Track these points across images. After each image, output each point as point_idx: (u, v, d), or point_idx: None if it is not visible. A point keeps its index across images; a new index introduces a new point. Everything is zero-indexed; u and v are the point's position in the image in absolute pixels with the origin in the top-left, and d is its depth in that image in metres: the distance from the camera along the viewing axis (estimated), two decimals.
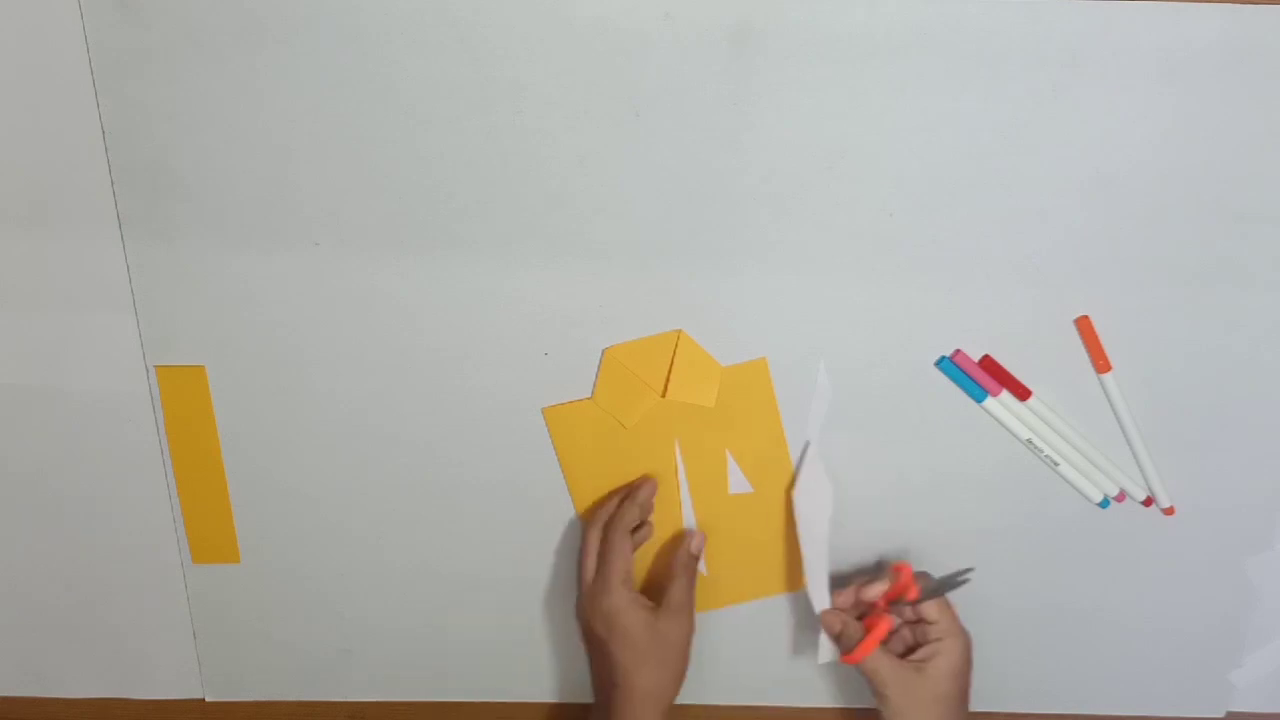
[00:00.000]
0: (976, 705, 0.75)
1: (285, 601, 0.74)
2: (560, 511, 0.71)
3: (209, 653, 0.76)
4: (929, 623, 0.66)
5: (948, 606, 0.67)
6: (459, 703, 0.77)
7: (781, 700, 0.76)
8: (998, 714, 0.76)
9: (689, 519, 0.71)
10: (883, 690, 0.65)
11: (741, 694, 0.76)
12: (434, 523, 0.72)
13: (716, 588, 0.73)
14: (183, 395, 0.69)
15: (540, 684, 0.76)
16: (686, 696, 0.75)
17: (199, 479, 0.71)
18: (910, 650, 0.67)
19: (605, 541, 0.67)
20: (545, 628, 0.74)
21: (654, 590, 0.70)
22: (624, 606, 0.65)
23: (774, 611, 0.74)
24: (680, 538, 0.70)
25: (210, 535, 0.72)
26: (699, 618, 0.73)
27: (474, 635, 0.75)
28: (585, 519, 0.70)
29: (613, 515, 0.68)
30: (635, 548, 0.68)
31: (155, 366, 0.68)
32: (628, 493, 0.69)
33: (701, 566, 0.71)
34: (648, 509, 0.69)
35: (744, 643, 0.74)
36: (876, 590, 0.67)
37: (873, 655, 0.65)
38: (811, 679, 0.75)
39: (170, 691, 0.77)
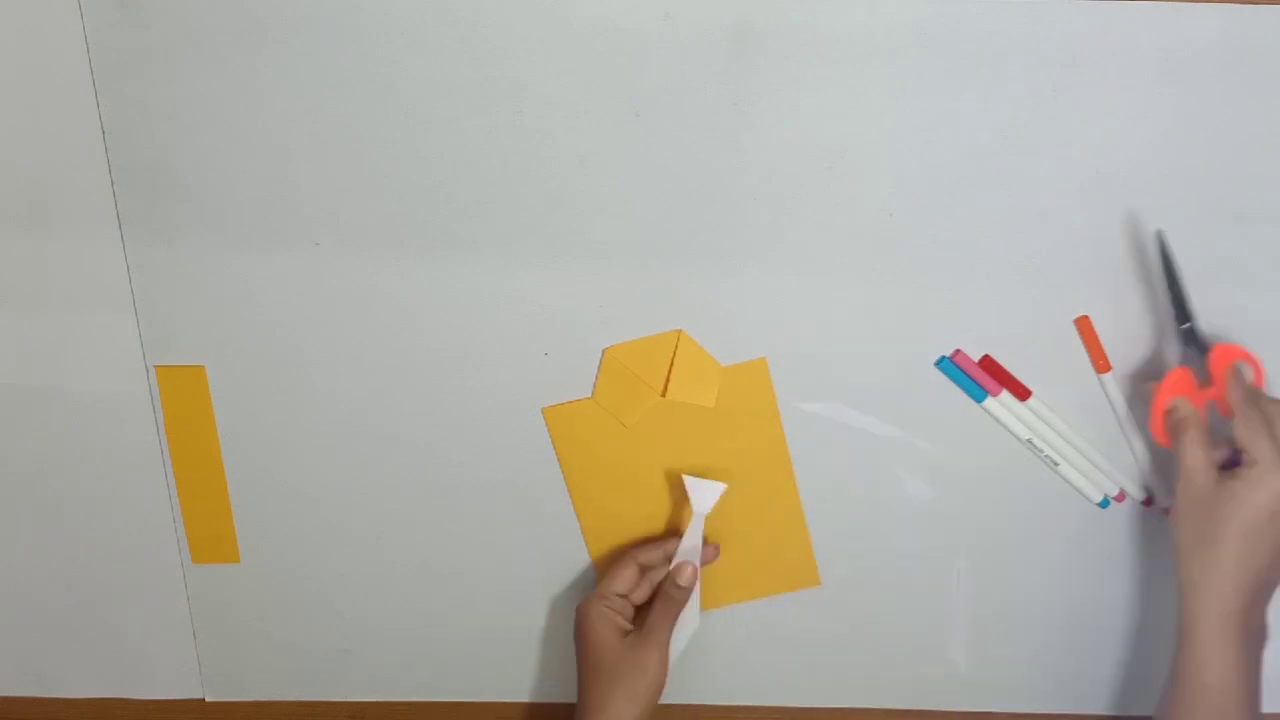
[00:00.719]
0: (975, 705, 0.75)
1: (285, 601, 0.74)
2: (560, 511, 0.71)
3: (209, 653, 0.76)
4: (1241, 448, 0.59)
5: (1261, 432, 0.58)
6: (459, 703, 0.77)
7: (782, 700, 0.76)
8: (998, 714, 0.76)
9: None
10: (1178, 485, 0.60)
11: (741, 694, 0.76)
12: (434, 522, 0.72)
13: (717, 587, 0.73)
14: (183, 395, 0.69)
15: (540, 684, 0.76)
16: (685, 696, 0.75)
17: (199, 479, 0.71)
18: (1227, 466, 0.60)
19: (618, 559, 0.67)
20: (545, 627, 0.74)
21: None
22: (597, 617, 0.65)
23: (774, 611, 0.73)
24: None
25: (210, 535, 0.72)
26: (718, 615, 0.73)
27: (474, 635, 0.75)
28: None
29: (640, 543, 0.68)
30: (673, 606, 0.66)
31: (155, 366, 0.68)
32: (666, 544, 0.68)
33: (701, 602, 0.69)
34: (670, 567, 0.67)
35: (744, 642, 0.74)
36: None
37: (1187, 439, 0.59)
38: (811, 679, 0.75)
39: (170, 691, 0.77)
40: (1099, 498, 0.69)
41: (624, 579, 0.67)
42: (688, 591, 0.66)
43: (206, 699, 0.77)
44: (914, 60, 0.60)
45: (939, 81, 0.61)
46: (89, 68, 0.61)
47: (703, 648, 0.74)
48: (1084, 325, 0.66)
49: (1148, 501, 0.70)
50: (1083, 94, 0.61)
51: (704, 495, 0.67)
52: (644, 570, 0.68)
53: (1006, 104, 0.61)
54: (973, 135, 0.62)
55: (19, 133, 0.63)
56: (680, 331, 0.67)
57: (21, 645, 0.76)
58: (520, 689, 0.77)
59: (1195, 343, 0.63)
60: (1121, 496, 0.70)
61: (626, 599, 0.67)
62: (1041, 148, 0.62)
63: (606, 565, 0.71)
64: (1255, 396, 0.60)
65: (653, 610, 0.66)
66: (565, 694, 0.76)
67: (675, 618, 0.66)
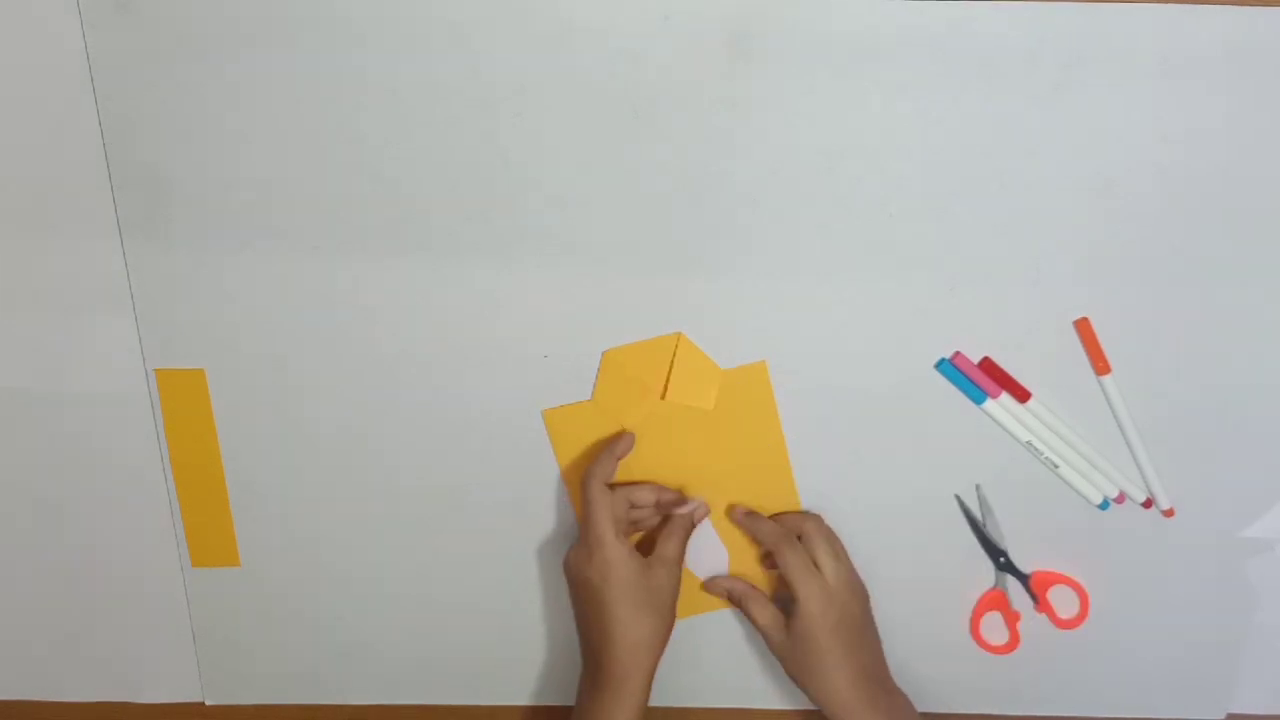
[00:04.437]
0: (975, 707, 0.75)
1: (285, 605, 0.74)
2: (560, 513, 0.71)
3: (209, 656, 0.76)
4: (795, 593, 0.66)
5: (790, 565, 0.66)
6: (459, 706, 0.77)
7: (781, 704, 0.76)
8: (997, 715, 0.76)
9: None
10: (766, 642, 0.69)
11: (740, 696, 0.76)
12: (433, 525, 0.72)
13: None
14: (182, 398, 0.69)
15: (541, 687, 0.76)
16: (685, 699, 0.75)
17: (199, 482, 0.71)
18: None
19: (585, 495, 0.66)
20: (545, 630, 0.74)
21: (645, 545, 0.70)
22: (619, 558, 0.65)
23: None
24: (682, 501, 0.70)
25: (210, 538, 0.72)
26: (701, 620, 0.73)
27: (474, 638, 0.75)
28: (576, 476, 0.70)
29: (589, 468, 0.67)
30: (686, 525, 0.69)
31: (155, 370, 0.68)
32: (606, 446, 0.68)
33: (722, 551, 0.72)
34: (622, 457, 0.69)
35: (743, 645, 0.74)
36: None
37: (754, 605, 0.69)
38: None
39: (170, 695, 0.77)
40: (1099, 499, 0.69)
41: (610, 511, 0.66)
42: (695, 523, 0.70)
43: (206, 702, 0.77)
44: (914, 61, 0.60)
45: (939, 82, 0.61)
46: (88, 71, 0.61)
47: (702, 650, 0.74)
48: (1084, 327, 0.66)
49: (1147, 503, 0.70)
50: (1083, 95, 0.61)
51: None
52: (632, 507, 0.68)
53: (1006, 105, 0.61)
54: (973, 136, 0.62)
55: (18, 136, 0.63)
56: (680, 334, 0.67)
57: (21, 649, 0.76)
58: (520, 692, 0.77)
59: (1014, 571, 0.71)
60: (1121, 498, 0.70)
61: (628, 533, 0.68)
62: (1041, 148, 0.62)
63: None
64: (784, 537, 0.68)
65: (668, 543, 0.68)
66: (565, 697, 0.76)
67: (685, 543, 0.69)
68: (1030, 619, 0.72)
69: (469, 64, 0.61)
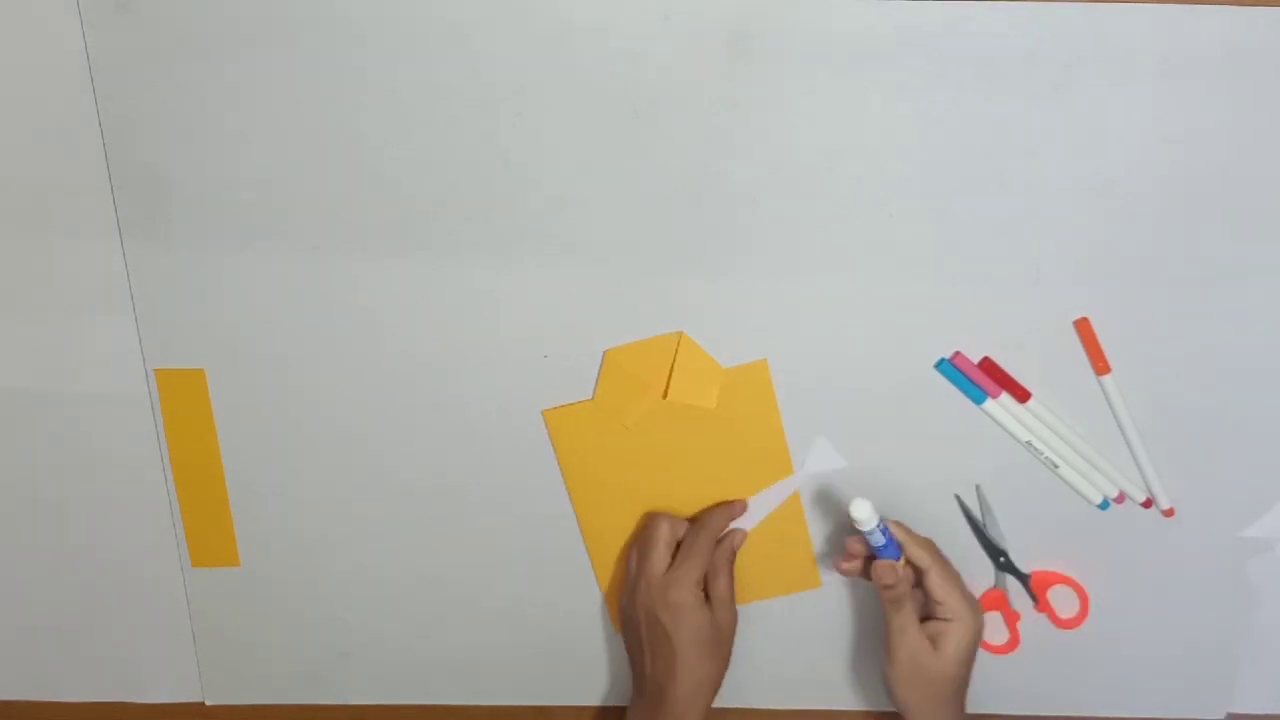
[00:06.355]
0: (975, 707, 0.75)
1: (285, 605, 0.74)
2: (560, 513, 0.71)
3: (209, 656, 0.76)
4: (936, 601, 0.65)
5: (955, 585, 0.66)
6: (459, 706, 0.77)
7: (782, 703, 0.76)
8: (996, 716, 0.76)
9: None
10: (895, 652, 0.65)
11: (740, 697, 0.76)
12: (434, 525, 0.72)
13: None
14: (182, 399, 0.69)
15: (541, 687, 0.76)
16: None
17: (199, 482, 0.71)
18: (923, 620, 0.67)
19: (692, 542, 0.68)
20: (545, 629, 0.74)
21: None
22: (695, 605, 0.66)
23: (774, 613, 0.73)
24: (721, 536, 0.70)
25: (210, 539, 0.72)
26: None
27: (474, 638, 0.75)
28: (646, 517, 0.71)
29: (704, 518, 0.69)
30: (728, 559, 0.70)
31: (155, 370, 0.68)
32: (725, 507, 0.70)
33: None
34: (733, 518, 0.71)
35: (744, 645, 0.74)
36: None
37: (905, 612, 0.65)
38: (811, 681, 0.75)
39: (170, 695, 0.77)
40: (1098, 499, 0.69)
41: (706, 563, 0.67)
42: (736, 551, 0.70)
43: (206, 702, 0.77)
44: (914, 61, 0.60)
45: (938, 82, 0.61)
46: (88, 71, 0.61)
47: None
48: (1083, 327, 0.66)
49: (1147, 503, 0.70)
50: (1083, 95, 0.61)
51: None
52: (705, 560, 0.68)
53: (1006, 105, 0.61)
54: (972, 136, 0.62)
55: (18, 136, 0.63)
56: (681, 333, 0.67)
57: (21, 649, 0.76)
58: (520, 692, 0.77)
59: (1014, 571, 0.71)
60: (1121, 498, 0.70)
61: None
62: (1041, 148, 0.62)
63: (640, 546, 0.70)
64: (939, 558, 0.66)
65: (719, 582, 0.68)
66: (565, 697, 0.76)
67: (733, 574, 0.69)
68: (1030, 619, 0.72)
69: (469, 64, 0.61)
